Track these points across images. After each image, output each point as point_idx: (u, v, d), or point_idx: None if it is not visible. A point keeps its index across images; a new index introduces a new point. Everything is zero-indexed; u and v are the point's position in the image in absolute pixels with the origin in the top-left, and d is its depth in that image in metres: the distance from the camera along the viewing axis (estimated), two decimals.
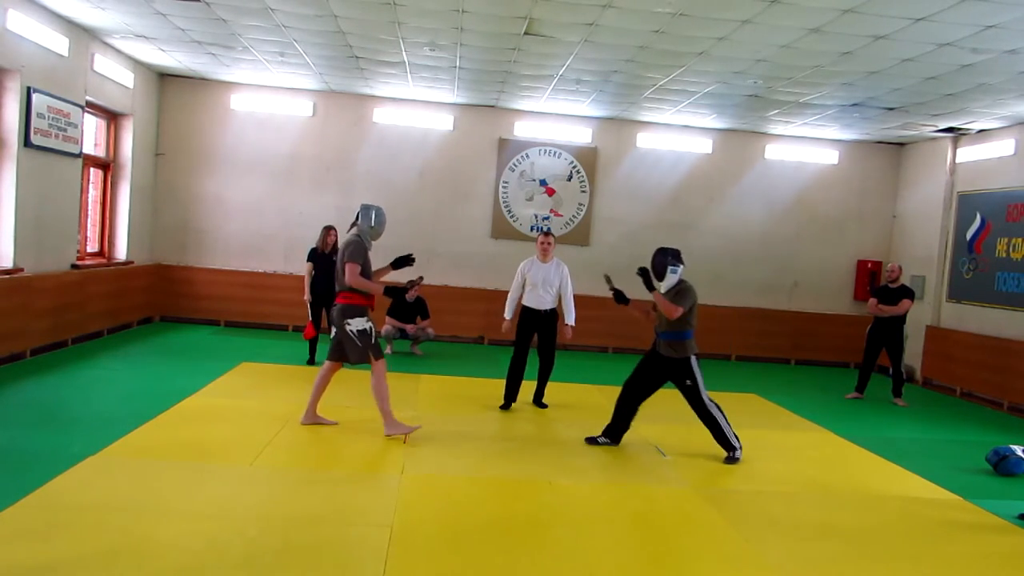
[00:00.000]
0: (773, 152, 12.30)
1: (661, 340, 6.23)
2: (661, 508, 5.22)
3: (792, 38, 7.20)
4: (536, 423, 7.18)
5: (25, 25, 7.77)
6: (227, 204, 11.63)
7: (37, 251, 8.32)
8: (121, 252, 10.66)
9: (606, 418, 6.50)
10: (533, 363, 7.62)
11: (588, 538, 4.49)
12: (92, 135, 10.07)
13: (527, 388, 7.73)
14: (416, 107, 11.73)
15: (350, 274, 5.88)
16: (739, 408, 8.48)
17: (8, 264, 7.88)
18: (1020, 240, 9.80)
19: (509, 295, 7.49)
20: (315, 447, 5.88)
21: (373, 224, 6.13)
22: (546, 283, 7.36)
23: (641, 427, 6.84)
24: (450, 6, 7.09)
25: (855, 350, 10.93)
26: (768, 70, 8.36)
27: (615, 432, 6.41)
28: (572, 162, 12.05)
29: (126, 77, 10.23)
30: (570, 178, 12.08)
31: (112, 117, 10.47)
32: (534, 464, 5.81)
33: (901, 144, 12.37)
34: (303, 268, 9.19)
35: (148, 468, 5.01)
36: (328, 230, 9.02)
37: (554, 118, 11.91)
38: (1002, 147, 10.29)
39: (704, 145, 12.19)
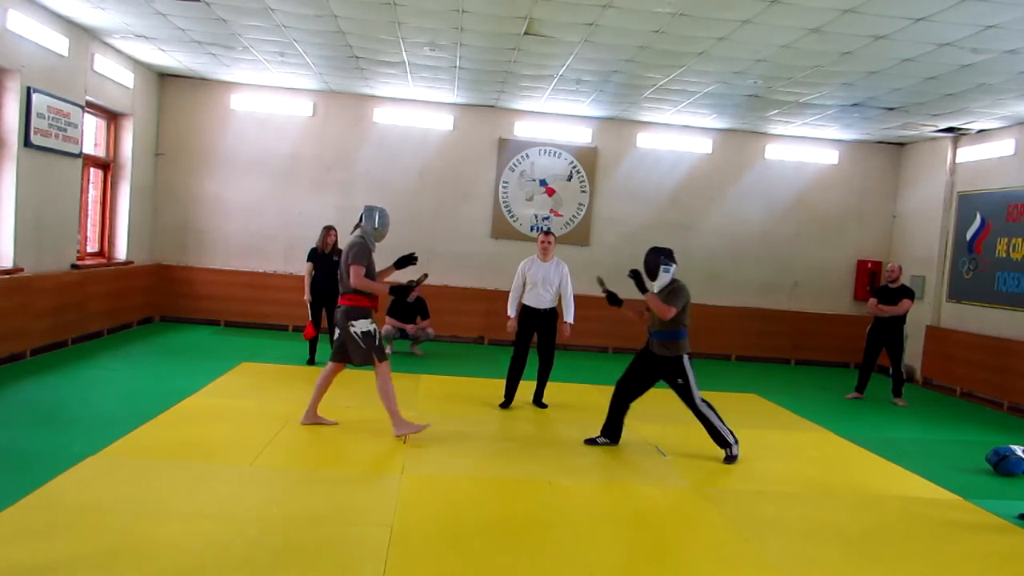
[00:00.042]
0: (773, 152, 12.30)
1: (654, 339, 6.23)
2: (661, 508, 5.22)
3: (792, 38, 7.20)
4: (536, 423, 7.18)
5: (25, 25, 7.77)
6: (227, 204, 11.64)
7: (37, 251, 8.32)
8: (121, 252, 10.66)
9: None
10: (533, 363, 7.63)
11: (588, 538, 4.49)
12: (92, 135, 10.07)
13: (527, 388, 7.73)
14: (416, 107, 11.73)
15: (355, 276, 5.88)
16: (739, 408, 8.48)
17: (8, 264, 7.89)
18: (1020, 240, 9.80)
19: (511, 294, 7.51)
20: (315, 447, 5.88)
21: (377, 225, 6.13)
22: (546, 282, 7.38)
23: (641, 427, 6.85)
24: (450, 6, 7.09)
25: (855, 350, 10.93)
26: (768, 70, 8.36)
27: (612, 431, 6.41)
28: (572, 162, 12.05)
29: (126, 77, 10.23)
30: (570, 178, 12.08)
31: (112, 117, 10.48)
32: (534, 464, 5.81)
33: (901, 144, 12.37)
34: (303, 268, 9.20)
35: (148, 468, 5.01)
36: (328, 230, 9.02)
37: (554, 118, 11.91)
38: (1002, 147, 10.29)
39: (704, 145, 12.20)
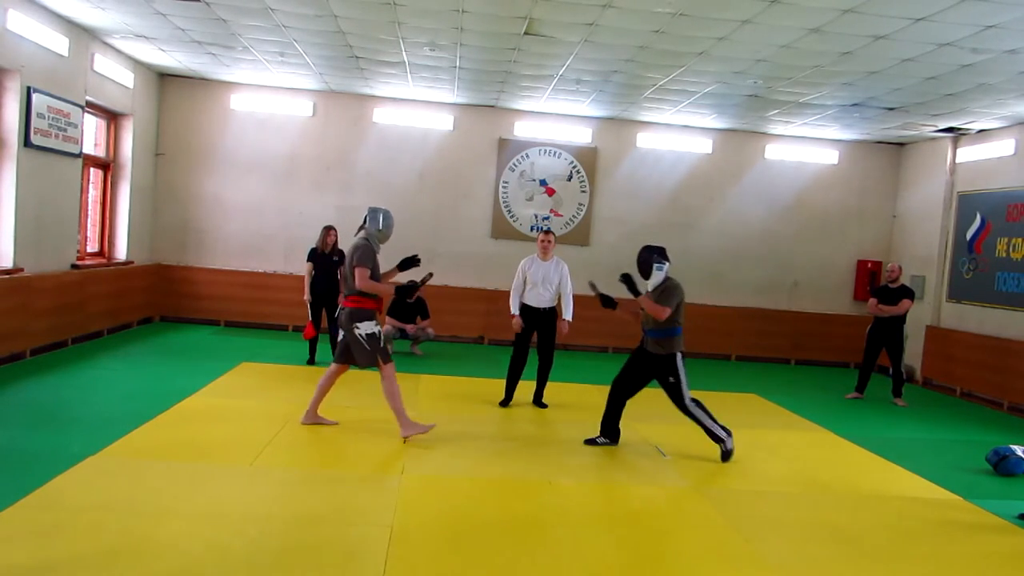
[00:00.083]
0: (773, 152, 12.30)
1: (649, 337, 6.23)
2: (661, 508, 5.22)
3: (792, 38, 7.20)
4: (536, 423, 7.19)
5: (25, 25, 7.77)
6: (227, 204, 11.63)
7: (37, 251, 8.32)
8: (121, 252, 10.66)
9: None
10: (533, 363, 7.64)
11: (588, 538, 4.50)
12: (92, 135, 10.07)
13: (527, 388, 7.74)
14: (416, 107, 11.73)
15: (360, 278, 5.87)
16: (739, 408, 8.49)
17: (8, 264, 7.88)
18: (1020, 240, 9.80)
19: (512, 293, 7.53)
20: (315, 447, 5.88)
21: (381, 227, 6.14)
22: (546, 281, 7.43)
23: (641, 427, 6.85)
24: (450, 6, 7.09)
25: (855, 350, 10.94)
26: (768, 70, 8.36)
27: (611, 431, 6.41)
28: (572, 162, 12.05)
29: (126, 77, 10.23)
30: (570, 178, 12.08)
31: (112, 117, 10.48)
32: (534, 464, 5.81)
33: (901, 144, 12.37)
34: (303, 268, 9.19)
35: (148, 468, 5.01)
36: (328, 230, 9.02)
37: (554, 118, 11.91)
38: (1002, 147, 10.29)
39: (704, 145, 12.19)
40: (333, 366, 6.24)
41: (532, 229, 11.92)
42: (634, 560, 4.25)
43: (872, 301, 9.51)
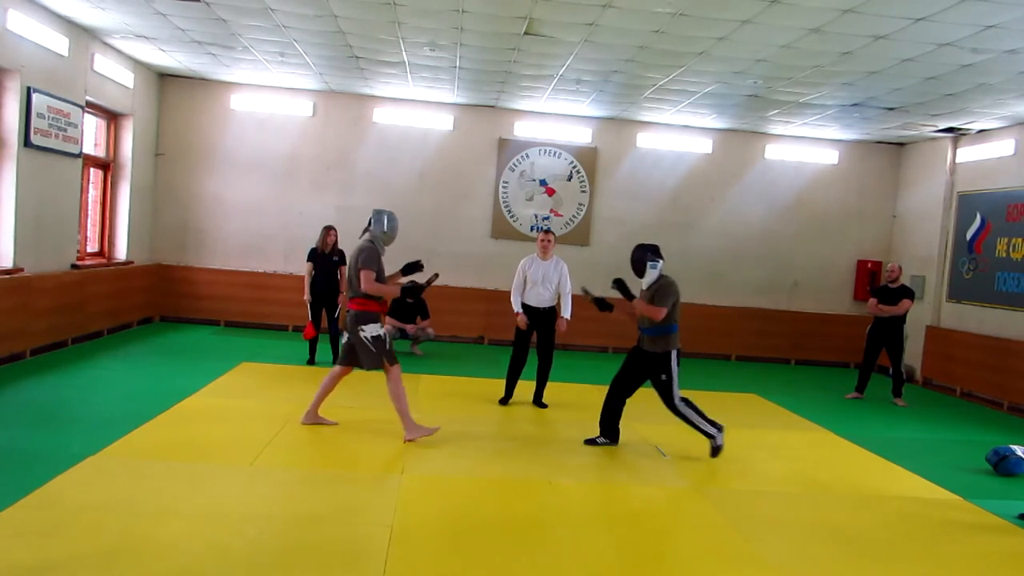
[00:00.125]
0: (773, 152, 12.30)
1: (645, 335, 6.23)
2: (661, 508, 5.23)
3: (792, 38, 7.20)
4: (536, 423, 7.19)
5: (25, 25, 7.77)
6: (227, 204, 11.63)
7: (37, 251, 8.32)
8: (121, 252, 10.66)
9: None
10: (533, 363, 7.65)
11: (588, 538, 4.50)
12: (92, 135, 10.07)
13: (527, 388, 7.75)
14: (416, 107, 11.73)
15: (365, 281, 5.87)
16: (739, 408, 8.49)
17: (8, 264, 7.88)
18: (1020, 240, 9.80)
19: (513, 292, 7.58)
20: (315, 447, 5.88)
21: (386, 229, 6.14)
22: (546, 280, 7.48)
23: (641, 427, 6.85)
24: (450, 6, 7.09)
25: (855, 350, 10.94)
26: (768, 70, 8.36)
27: (610, 431, 6.40)
28: (572, 162, 12.05)
29: (126, 77, 10.23)
30: (570, 178, 12.08)
31: (112, 117, 10.47)
32: (534, 464, 5.82)
33: (901, 144, 12.37)
34: (303, 268, 9.19)
35: (148, 468, 5.01)
36: (328, 230, 9.02)
37: (554, 118, 11.91)
38: (1002, 147, 10.29)
39: (704, 145, 12.19)
40: (337, 368, 6.24)
41: (532, 229, 11.92)
42: (634, 560, 4.24)
43: (872, 301, 9.51)
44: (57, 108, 8.43)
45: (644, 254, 6.21)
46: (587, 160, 12.05)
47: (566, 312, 7.58)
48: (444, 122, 11.78)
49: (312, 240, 9.28)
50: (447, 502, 4.85)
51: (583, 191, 12.09)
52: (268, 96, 11.55)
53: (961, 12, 6.13)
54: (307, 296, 8.92)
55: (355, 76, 10.38)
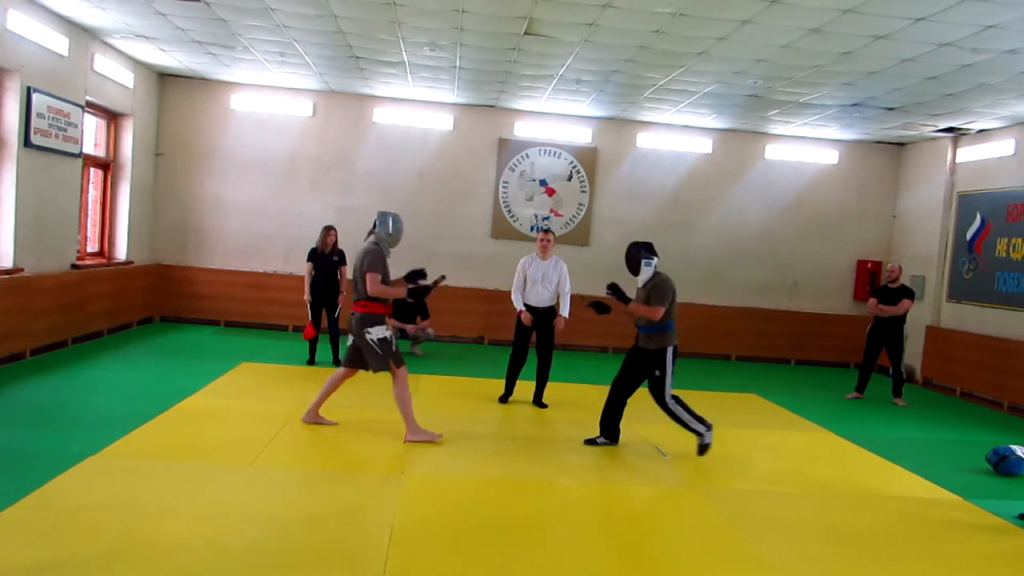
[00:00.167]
0: (773, 152, 12.30)
1: (641, 333, 6.23)
2: (661, 508, 5.23)
3: (792, 38, 7.20)
4: (536, 423, 7.19)
5: (25, 25, 7.77)
6: (227, 204, 11.63)
7: (37, 251, 8.32)
8: (121, 252, 10.66)
9: None
10: (532, 363, 7.65)
11: (588, 538, 4.50)
12: (92, 135, 10.07)
13: (527, 387, 7.75)
14: (416, 107, 11.73)
15: (371, 283, 5.87)
16: (739, 408, 8.50)
17: (8, 264, 7.88)
18: (1020, 240, 9.80)
19: (513, 291, 7.61)
20: (315, 447, 5.88)
21: (391, 231, 6.14)
22: (545, 279, 7.51)
23: (641, 427, 6.85)
24: (450, 6, 7.09)
25: (855, 350, 10.93)
26: (768, 70, 8.36)
27: (610, 431, 6.40)
28: (572, 162, 12.05)
29: (126, 77, 10.23)
30: (570, 178, 12.08)
31: (112, 117, 10.47)
32: (534, 464, 5.81)
33: (901, 144, 12.37)
34: (303, 268, 9.19)
35: (148, 468, 5.01)
36: (328, 230, 9.02)
37: (554, 118, 11.91)
38: (1002, 147, 10.29)
39: (704, 145, 12.19)
40: (341, 370, 6.24)
41: (532, 229, 11.92)
42: (634, 560, 4.24)
43: (872, 301, 9.51)
44: (57, 108, 8.43)
45: (639, 252, 6.21)
46: (587, 160, 12.05)
47: (564, 311, 7.61)
48: (444, 122, 11.78)
49: (312, 240, 9.28)
50: (447, 502, 4.85)
51: (583, 191, 12.09)
52: (268, 96, 11.55)
53: (961, 12, 6.13)
54: (307, 296, 8.92)
55: (355, 76, 10.38)
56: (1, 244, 7.87)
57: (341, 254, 9.10)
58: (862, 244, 12.57)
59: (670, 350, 6.12)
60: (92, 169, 10.14)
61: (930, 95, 8.87)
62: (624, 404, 6.38)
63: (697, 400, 7.70)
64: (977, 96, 8.72)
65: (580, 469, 5.81)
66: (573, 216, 12.11)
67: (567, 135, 11.99)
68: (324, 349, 9.19)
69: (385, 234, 6.12)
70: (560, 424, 7.15)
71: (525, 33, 7.72)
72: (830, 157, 12.38)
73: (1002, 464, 6.48)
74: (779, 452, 6.73)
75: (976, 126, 10.42)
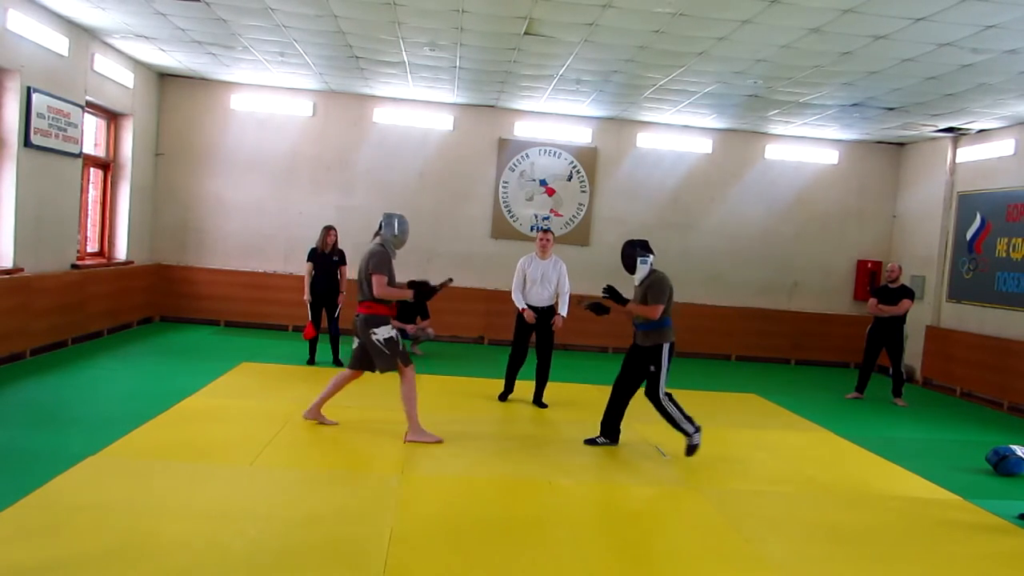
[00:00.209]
0: (773, 152, 12.30)
1: (638, 330, 6.23)
2: (661, 508, 5.23)
3: (792, 38, 7.20)
4: (536, 423, 7.19)
5: (25, 25, 7.77)
6: (227, 204, 11.63)
7: (37, 251, 8.32)
8: (121, 252, 10.66)
9: None
10: (532, 363, 7.65)
11: (588, 538, 4.50)
12: (92, 135, 10.07)
13: (527, 387, 7.76)
14: (416, 107, 11.73)
15: (377, 285, 5.88)
16: (739, 408, 8.50)
17: (8, 264, 7.88)
18: (1020, 240, 9.80)
19: (514, 290, 7.63)
20: (315, 447, 5.88)
21: (397, 233, 6.14)
22: (545, 279, 7.54)
23: (641, 427, 6.85)
24: (450, 6, 7.09)
25: (855, 350, 10.93)
26: (768, 70, 8.36)
27: (611, 431, 6.40)
28: (572, 162, 12.05)
29: (126, 77, 10.23)
30: (570, 178, 12.08)
31: (112, 117, 10.47)
32: (534, 464, 5.81)
33: (901, 144, 12.36)
34: (303, 268, 9.19)
35: (148, 468, 5.01)
36: (328, 230, 9.02)
37: (554, 118, 11.91)
38: (1002, 147, 10.29)
39: (704, 145, 12.19)
40: (348, 372, 6.23)
41: (532, 229, 11.91)
42: (634, 560, 4.24)
43: (872, 301, 9.51)
44: (57, 108, 8.43)
45: (634, 250, 6.22)
46: (587, 160, 12.05)
47: (563, 310, 7.62)
48: (444, 122, 11.78)
49: (312, 240, 9.28)
50: (447, 502, 4.85)
51: (583, 191, 12.09)
52: (268, 96, 11.55)
53: (961, 12, 6.13)
54: (307, 296, 8.92)
55: (355, 76, 10.38)
56: (1, 244, 7.88)
57: (341, 254, 9.10)
58: (862, 244, 12.57)
59: (666, 347, 6.12)
60: (92, 169, 10.14)
61: (930, 95, 8.87)
62: (626, 404, 6.37)
63: (697, 400, 7.73)
64: (977, 96, 8.73)
65: (580, 469, 5.80)
66: (573, 216, 12.11)
67: (567, 135, 11.99)
68: (324, 349, 9.19)
69: (391, 235, 6.12)
70: (560, 424, 7.15)
71: (525, 33, 7.72)
72: (830, 157, 12.38)
73: (1002, 464, 6.48)
74: (779, 452, 6.73)
75: (976, 126, 10.42)
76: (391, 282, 5.99)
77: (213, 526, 4.14)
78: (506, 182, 11.98)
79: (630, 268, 6.25)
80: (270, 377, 8.19)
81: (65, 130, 8.64)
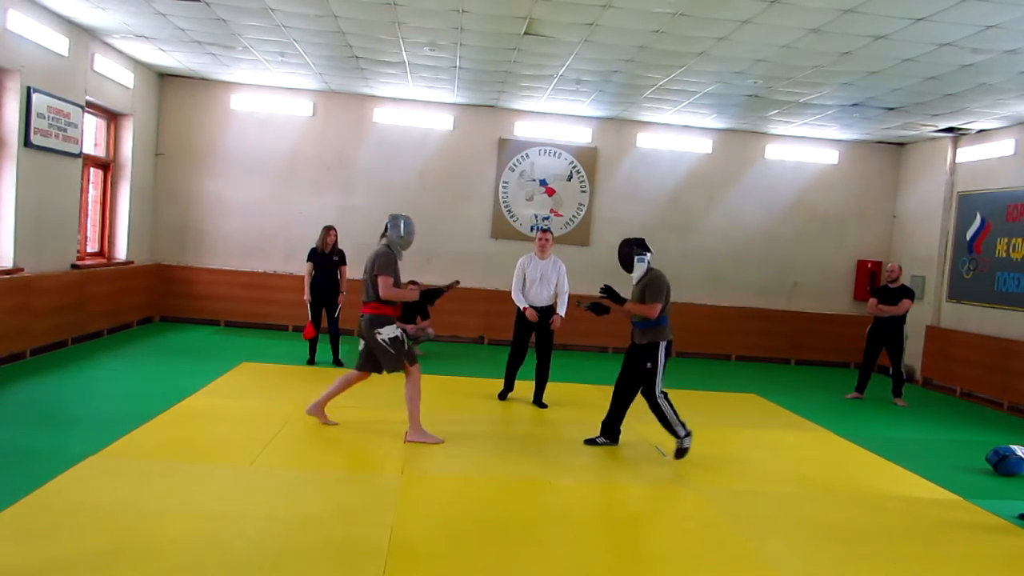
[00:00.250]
0: (773, 152, 12.30)
1: (636, 329, 6.23)
2: (660, 508, 5.23)
3: (792, 38, 7.20)
4: (536, 423, 7.19)
5: (25, 25, 7.77)
6: (227, 204, 11.64)
7: (37, 251, 8.32)
8: (121, 252, 10.66)
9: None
10: (532, 364, 7.65)
11: (587, 538, 4.50)
12: (92, 135, 10.07)
13: (527, 387, 7.76)
14: (416, 107, 11.73)
15: (383, 286, 5.89)
16: (739, 408, 8.50)
17: (8, 264, 7.88)
18: (1020, 240, 9.80)
19: (514, 290, 7.64)
20: (315, 447, 5.88)
21: (403, 234, 6.16)
22: (544, 279, 7.55)
23: (641, 427, 6.85)
24: (450, 6, 7.09)
25: (855, 350, 10.93)
26: (768, 70, 8.36)
27: (611, 431, 6.40)
28: (572, 162, 12.05)
29: (126, 77, 10.23)
30: (570, 178, 12.08)
31: (112, 117, 10.47)
32: (534, 464, 5.82)
33: (901, 144, 12.36)
34: (303, 268, 9.19)
35: (148, 468, 5.01)
36: (328, 230, 9.02)
37: (554, 118, 11.91)
38: (1002, 147, 10.29)
39: (704, 145, 12.19)
40: (355, 373, 6.23)
41: (532, 229, 11.91)
42: (633, 560, 4.24)
43: (872, 301, 9.51)
44: (57, 108, 8.43)
45: (631, 249, 6.22)
46: (587, 160, 12.05)
47: (561, 310, 7.62)
48: (444, 122, 11.78)
49: (312, 240, 9.28)
50: (447, 502, 4.85)
51: (583, 191, 12.09)
52: (268, 96, 11.55)
53: (961, 12, 6.13)
54: (307, 296, 8.91)
55: (355, 76, 10.38)
56: (1, 244, 7.88)
57: (341, 254, 9.10)
58: (862, 244, 12.57)
59: (663, 345, 6.11)
60: (92, 169, 10.14)
61: (930, 95, 8.87)
62: (628, 405, 6.36)
63: (697, 400, 7.75)
64: (977, 96, 8.73)
65: (580, 469, 5.80)
66: (573, 216, 12.11)
67: (567, 135, 11.99)
68: (324, 349, 9.19)
69: (397, 237, 6.13)
70: (560, 424, 7.15)
71: (525, 33, 7.72)
72: (830, 157, 12.38)
73: (1002, 464, 6.48)
74: (779, 452, 6.73)
75: (976, 126, 10.42)
76: (397, 283, 6.00)
77: (213, 526, 4.14)
78: (506, 182, 11.98)
79: (627, 267, 6.25)
80: (270, 377, 8.19)
81: (65, 130, 8.64)
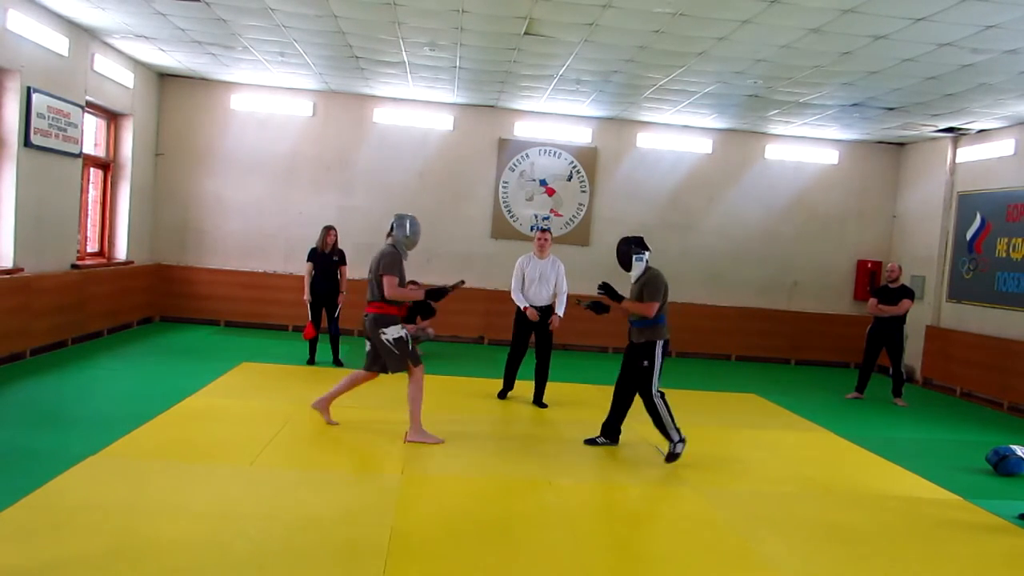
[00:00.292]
0: (773, 152, 12.30)
1: (633, 328, 6.23)
2: (660, 508, 5.23)
3: (792, 38, 7.20)
4: (536, 423, 7.19)
5: (25, 25, 7.77)
6: (227, 204, 11.64)
7: (37, 251, 8.32)
8: (121, 252, 10.66)
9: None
10: (531, 364, 7.65)
11: (587, 538, 4.50)
12: (92, 135, 10.07)
13: (527, 387, 7.76)
14: (416, 107, 11.73)
15: (388, 286, 5.89)
16: (739, 408, 8.50)
17: (8, 264, 7.88)
18: (1020, 240, 9.80)
19: (513, 290, 7.65)
20: (315, 447, 5.88)
21: (408, 234, 6.15)
22: (543, 278, 7.57)
23: (641, 427, 6.84)
24: (450, 6, 7.09)
25: (855, 350, 10.93)
26: (768, 70, 8.36)
27: (612, 431, 6.40)
28: (572, 162, 12.05)
29: (126, 77, 10.23)
30: (570, 178, 12.08)
31: (112, 117, 10.47)
32: (534, 464, 5.82)
33: (901, 144, 12.36)
34: (303, 268, 9.19)
35: (148, 468, 5.01)
36: (328, 230, 9.02)
37: (554, 118, 11.91)
38: (1002, 147, 10.29)
39: (704, 145, 12.19)
40: (362, 372, 6.23)
41: (532, 229, 11.90)
42: (633, 560, 4.25)
43: (872, 301, 9.51)
44: (57, 108, 8.43)
45: (629, 247, 6.22)
46: (587, 160, 12.05)
47: (560, 310, 7.63)
48: (444, 122, 11.78)
49: (312, 240, 9.27)
50: (446, 502, 4.85)
51: (583, 191, 12.09)
52: (268, 96, 11.55)
53: (961, 12, 6.13)
54: (307, 296, 8.91)
55: (355, 76, 10.38)
56: (1, 244, 7.88)
57: (341, 254, 9.10)
58: (862, 244, 12.57)
59: (660, 344, 6.11)
60: (92, 169, 10.14)
61: (930, 95, 8.87)
62: (629, 405, 6.36)
63: (697, 400, 7.75)
64: (977, 96, 8.72)
65: (580, 469, 5.80)
66: (573, 216, 12.11)
67: (567, 135, 11.99)
68: (324, 349, 9.19)
69: (403, 237, 6.12)
70: (560, 424, 7.15)
71: (525, 33, 7.72)
72: (830, 157, 12.38)
73: (1002, 464, 6.48)
74: (779, 452, 6.73)
75: (976, 126, 10.42)
76: (402, 283, 6.00)
77: (213, 526, 4.15)
78: (506, 182, 11.98)
79: (625, 265, 6.25)
80: (270, 377, 8.19)
81: (65, 130, 8.64)
